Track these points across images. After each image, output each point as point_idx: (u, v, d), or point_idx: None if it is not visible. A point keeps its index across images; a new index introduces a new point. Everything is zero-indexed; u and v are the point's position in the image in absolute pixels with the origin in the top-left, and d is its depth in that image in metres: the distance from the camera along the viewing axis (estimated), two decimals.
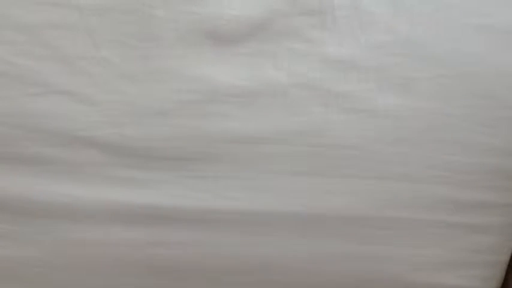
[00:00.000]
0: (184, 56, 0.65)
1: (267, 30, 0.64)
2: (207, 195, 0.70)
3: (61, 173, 0.68)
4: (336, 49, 0.65)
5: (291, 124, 0.67)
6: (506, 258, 0.77)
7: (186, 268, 0.73)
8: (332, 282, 0.75)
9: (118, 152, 0.68)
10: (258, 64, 0.65)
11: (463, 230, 0.73)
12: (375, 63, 0.65)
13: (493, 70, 0.66)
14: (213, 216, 0.71)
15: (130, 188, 0.69)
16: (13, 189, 0.69)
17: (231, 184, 0.69)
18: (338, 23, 0.64)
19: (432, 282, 0.75)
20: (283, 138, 0.67)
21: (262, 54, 0.65)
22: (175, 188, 0.69)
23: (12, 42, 0.63)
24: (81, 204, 0.69)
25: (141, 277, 0.74)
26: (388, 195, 0.70)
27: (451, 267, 0.75)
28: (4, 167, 0.68)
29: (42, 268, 0.73)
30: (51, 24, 0.63)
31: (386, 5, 0.64)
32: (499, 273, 0.77)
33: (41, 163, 0.68)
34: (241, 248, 0.72)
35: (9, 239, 0.71)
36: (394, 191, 0.70)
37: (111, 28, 0.64)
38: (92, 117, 0.66)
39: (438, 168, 0.69)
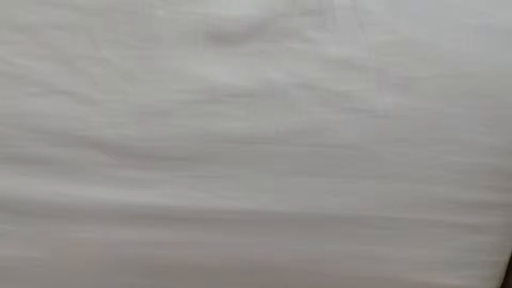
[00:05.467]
0: (184, 56, 0.65)
1: (267, 30, 0.64)
2: (207, 195, 0.70)
3: (61, 173, 0.68)
4: (336, 49, 0.65)
5: (291, 124, 0.67)
6: (506, 258, 0.77)
7: (186, 268, 0.73)
8: (332, 282, 0.75)
9: (118, 152, 0.67)
10: (258, 64, 0.65)
11: (463, 230, 0.73)
12: (375, 63, 0.65)
13: (492, 70, 0.66)
14: (213, 216, 0.71)
15: (131, 188, 0.69)
16: (13, 189, 0.69)
17: (231, 184, 0.69)
18: (338, 23, 0.64)
19: (432, 282, 0.75)
20: (283, 138, 0.67)
21: (262, 54, 0.65)
22: (175, 188, 0.69)
23: (12, 42, 0.63)
24: (81, 204, 0.69)
25: (141, 277, 0.74)
26: (388, 195, 0.70)
27: (451, 267, 0.75)
28: (4, 167, 0.68)
29: (42, 268, 0.73)
30: (51, 24, 0.63)
31: (386, 5, 0.64)
32: (499, 273, 0.77)
33: (41, 163, 0.68)
34: (241, 248, 0.72)
35: (9, 239, 0.71)
36: (394, 191, 0.70)
37: (111, 28, 0.64)
38: (92, 117, 0.66)
39: (438, 168, 0.69)
